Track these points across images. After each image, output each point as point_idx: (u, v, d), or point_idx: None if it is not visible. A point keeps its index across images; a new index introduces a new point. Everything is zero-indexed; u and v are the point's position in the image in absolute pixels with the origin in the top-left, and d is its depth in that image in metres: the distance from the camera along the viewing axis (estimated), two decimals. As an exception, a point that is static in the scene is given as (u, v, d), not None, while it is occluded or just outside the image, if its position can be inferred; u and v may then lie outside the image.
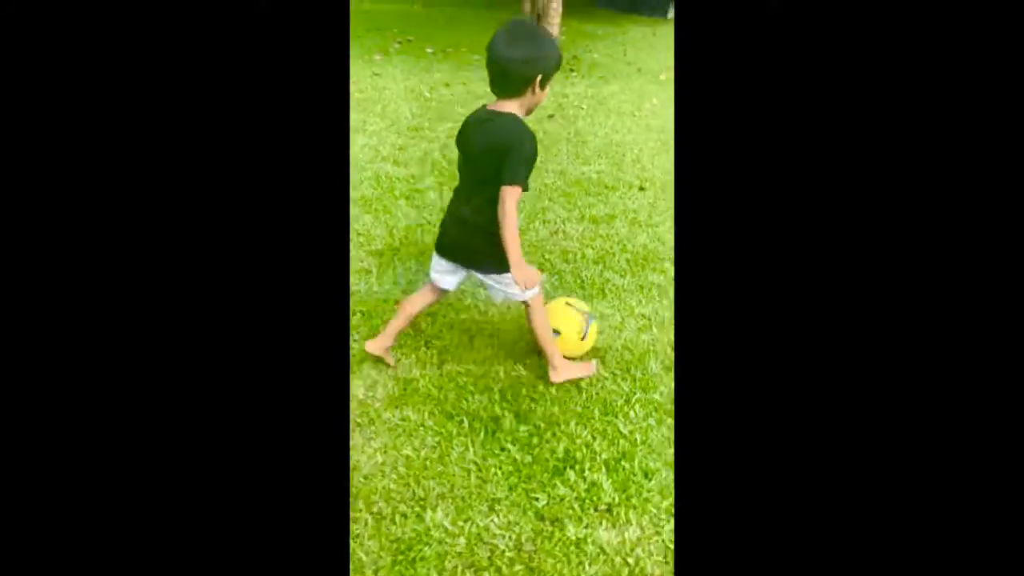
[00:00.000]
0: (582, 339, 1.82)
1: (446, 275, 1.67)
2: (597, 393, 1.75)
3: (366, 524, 1.36)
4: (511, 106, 1.46)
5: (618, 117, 4.67)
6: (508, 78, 1.41)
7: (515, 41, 1.39)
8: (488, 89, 1.49)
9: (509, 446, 1.55)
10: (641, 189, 3.32)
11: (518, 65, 1.38)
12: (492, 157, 1.43)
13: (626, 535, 1.35)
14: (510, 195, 1.40)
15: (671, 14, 10.94)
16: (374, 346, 1.75)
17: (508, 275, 1.51)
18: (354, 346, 1.88)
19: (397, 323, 1.74)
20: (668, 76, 6.17)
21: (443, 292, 1.74)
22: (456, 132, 1.56)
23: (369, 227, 2.71)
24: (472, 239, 1.55)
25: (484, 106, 1.51)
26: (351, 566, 1.26)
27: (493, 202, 1.43)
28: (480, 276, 1.63)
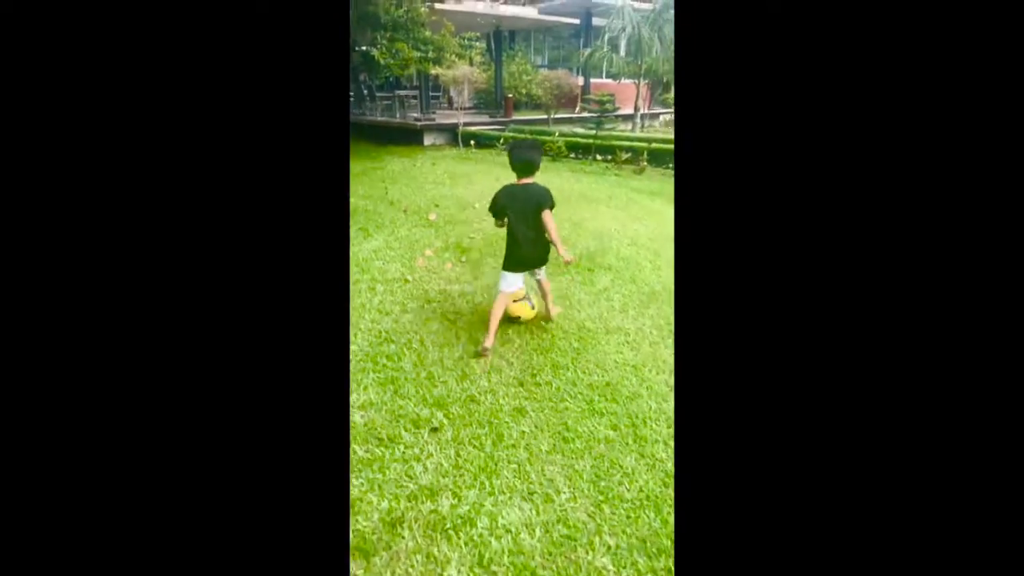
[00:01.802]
0: (532, 308, 3.14)
1: (514, 283, 2.96)
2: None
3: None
4: (529, 181, 2.90)
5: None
6: (531, 167, 2.88)
7: (528, 149, 2.92)
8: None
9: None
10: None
11: (535, 159, 2.91)
12: (536, 204, 2.82)
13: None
14: (550, 215, 2.82)
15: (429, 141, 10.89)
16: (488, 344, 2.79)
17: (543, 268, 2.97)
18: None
19: (493, 326, 2.87)
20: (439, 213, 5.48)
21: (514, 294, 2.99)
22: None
23: None
24: (536, 249, 2.92)
25: (513, 183, 2.92)
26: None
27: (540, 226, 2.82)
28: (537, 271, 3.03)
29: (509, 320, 3.12)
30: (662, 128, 13.10)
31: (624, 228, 5.17)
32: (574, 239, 4.77)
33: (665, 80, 14.09)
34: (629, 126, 11.71)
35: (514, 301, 3.08)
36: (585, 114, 13.03)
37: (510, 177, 2.91)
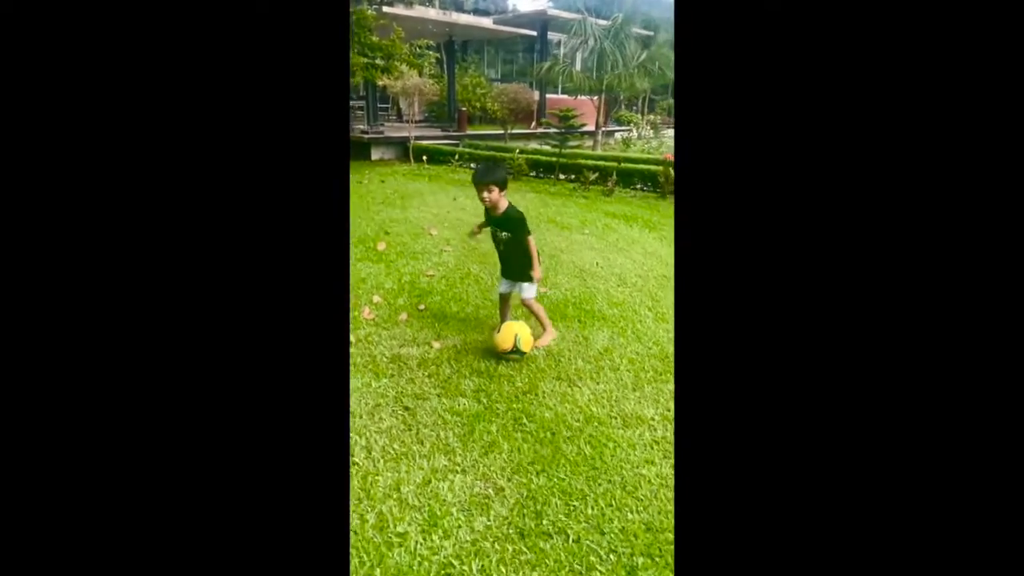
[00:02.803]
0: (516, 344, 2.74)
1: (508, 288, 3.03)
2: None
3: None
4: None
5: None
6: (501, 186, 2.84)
7: (494, 168, 2.89)
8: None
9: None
10: None
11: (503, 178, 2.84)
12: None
13: None
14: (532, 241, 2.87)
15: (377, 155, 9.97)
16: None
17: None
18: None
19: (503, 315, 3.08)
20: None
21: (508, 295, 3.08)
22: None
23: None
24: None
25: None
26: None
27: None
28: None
29: (497, 356, 2.75)
30: (619, 146, 12.64)
31: (608, 262, 4.44)
32: (553, 278, 4.00)
33: (622, 97, 13.71)
34: (590, 143, 11.15)
35: (505, 353, 2.75)
36: (543, 130, 12.41)
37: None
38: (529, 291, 2.92)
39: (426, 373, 2.59)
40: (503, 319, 2.95)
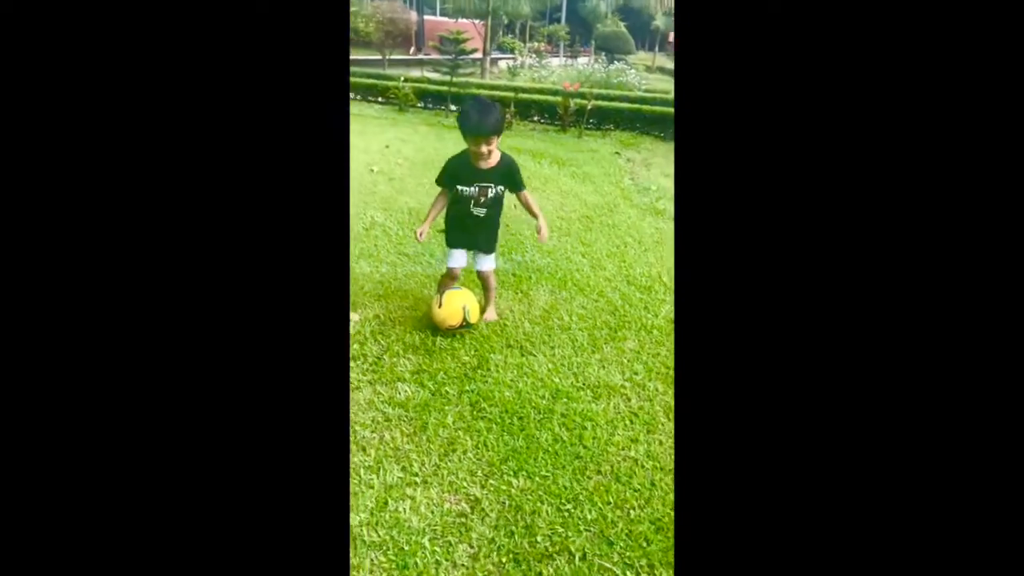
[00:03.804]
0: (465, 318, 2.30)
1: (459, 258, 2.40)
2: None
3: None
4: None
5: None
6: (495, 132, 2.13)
7: (488, 109, 2.08)
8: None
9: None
10: None
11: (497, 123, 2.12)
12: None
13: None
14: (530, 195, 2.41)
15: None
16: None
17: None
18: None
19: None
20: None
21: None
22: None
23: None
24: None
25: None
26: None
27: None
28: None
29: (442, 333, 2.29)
30: (504, 75, 12.02)
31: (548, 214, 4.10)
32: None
33: (507, 21, 12.95)
34: (478, 72, 10.43)
35: (452, 329, 2.29)
36: (427, 56, 11.39)
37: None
38: (491, 261, 2.38)
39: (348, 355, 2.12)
40: (442, 292, 2.35)
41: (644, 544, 1.40)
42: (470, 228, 2.27)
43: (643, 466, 1.66)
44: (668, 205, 4.30)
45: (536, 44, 16.06)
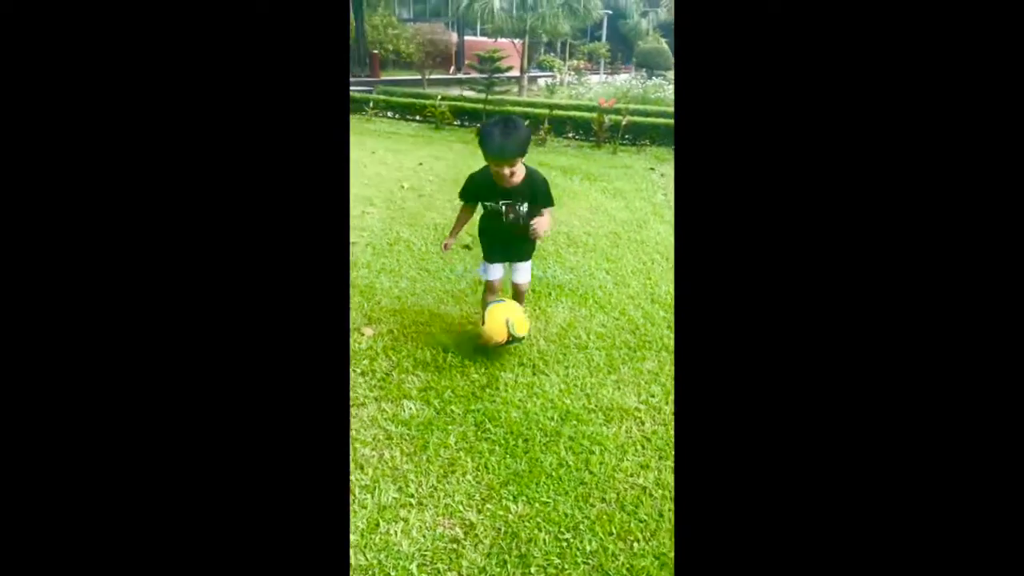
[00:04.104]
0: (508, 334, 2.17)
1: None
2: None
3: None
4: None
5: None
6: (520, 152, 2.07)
7: (514, 129, 2.00)
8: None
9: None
10: None
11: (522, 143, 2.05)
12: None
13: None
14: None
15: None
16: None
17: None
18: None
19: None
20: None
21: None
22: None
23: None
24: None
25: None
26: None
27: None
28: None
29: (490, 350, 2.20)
30: (543, 93, 12.08)
31: (551, 220, 4.05)
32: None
33: (547, 40, 13.05)
34: (514, 90, 10.52)
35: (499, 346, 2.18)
36: (465, 75, 11.60)
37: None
38: (527, 272, 2.32)
39: (357, 370, 2.11)
40: (485, 307, 2.25)
41: (646, 581, 1.31)
42: (506, 239, 2.21)
43: (651, 495, 1.56)
44: (701, 221, 4.16)
45: (575, 62, 16.12)
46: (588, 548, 1.39)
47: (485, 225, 2.25)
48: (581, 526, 1.45)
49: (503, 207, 2.12)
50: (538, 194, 2.12)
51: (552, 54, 17.19)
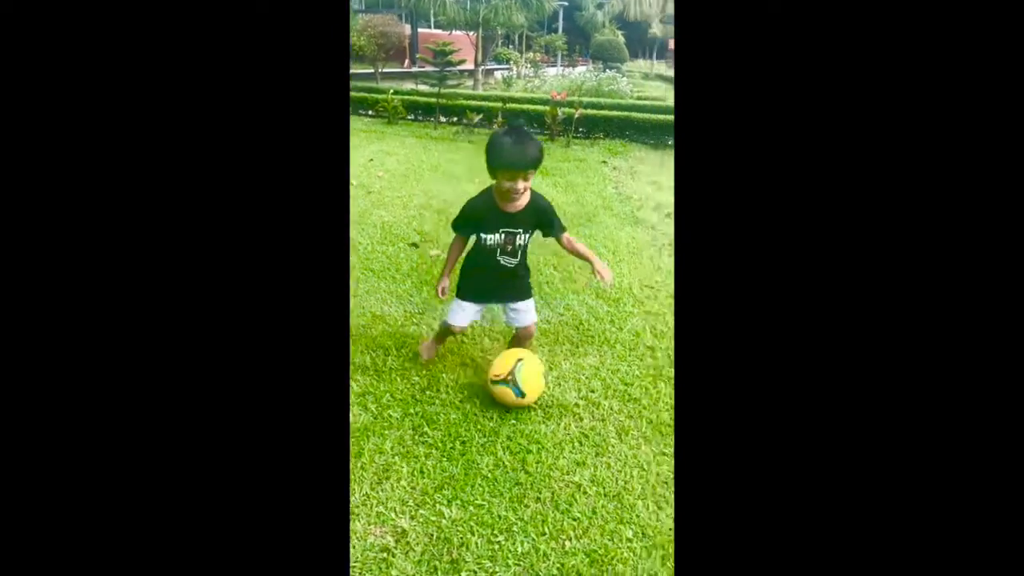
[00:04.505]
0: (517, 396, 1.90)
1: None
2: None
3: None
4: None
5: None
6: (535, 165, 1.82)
7: (524, 140, 1.74)
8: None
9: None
10: None
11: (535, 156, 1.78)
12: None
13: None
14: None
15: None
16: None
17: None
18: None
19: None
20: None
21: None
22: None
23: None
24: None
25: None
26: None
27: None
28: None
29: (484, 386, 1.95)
30: (499, 86, 12.02)
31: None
32: (443, 236, 3.51)
33: (503, 32, 12.97)
34: (469, 83, 10.44)
35: (494, 382, 1.88)
36: (418, 68, 11.43)
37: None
38: (532, 312, 2.01)
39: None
40: (427, 352, 2.15)
41: (575, 579, 1.32)
42: (497, 279, 1.92)
43: (586, 492, 1.57)
44: (648, 214, 4.23)
45: (532, 55, 16.09)
46: (520, 550, 1.39)
47: (474, 259, 1.95)
48: (514, 528, 1.45)
49: (502, 237, 1.83)
50: (545, 220, 1.88)
51: (510, 47, 17.11)
